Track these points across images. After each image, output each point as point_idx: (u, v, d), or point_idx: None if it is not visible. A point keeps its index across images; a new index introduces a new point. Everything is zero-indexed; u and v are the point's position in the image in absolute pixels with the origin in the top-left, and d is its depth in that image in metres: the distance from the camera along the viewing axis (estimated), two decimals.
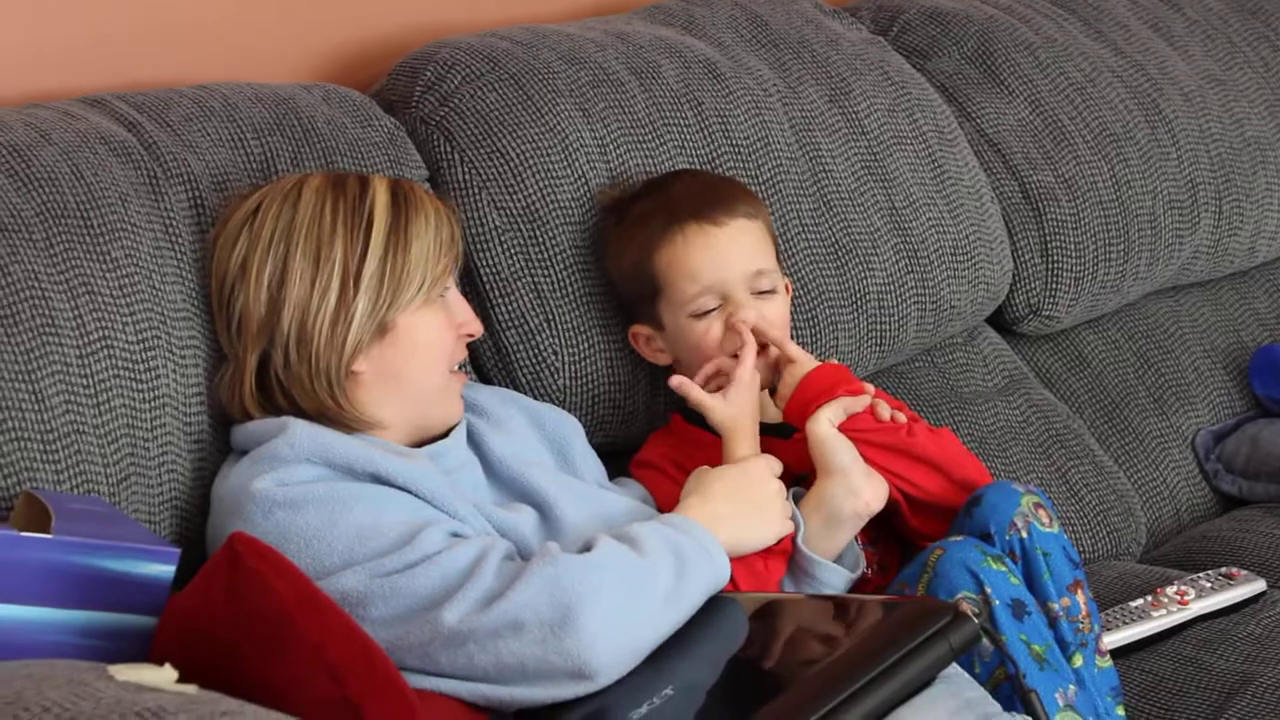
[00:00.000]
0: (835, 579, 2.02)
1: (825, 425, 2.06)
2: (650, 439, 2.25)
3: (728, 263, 2.16)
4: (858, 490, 2.03)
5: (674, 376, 2.16)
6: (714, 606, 1.86)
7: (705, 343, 2.16)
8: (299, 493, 1.83)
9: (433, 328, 1.98)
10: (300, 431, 1.88)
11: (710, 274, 2.15)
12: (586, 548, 1.83)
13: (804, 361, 2.14)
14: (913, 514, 2.13)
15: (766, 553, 1.99)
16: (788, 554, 2.02)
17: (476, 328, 2.05)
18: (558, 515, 1.97)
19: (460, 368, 2.07)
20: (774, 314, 2.18)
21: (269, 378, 1.95)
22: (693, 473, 2.04)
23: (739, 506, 1.97)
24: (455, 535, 1.85)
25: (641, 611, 1.78)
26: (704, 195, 2.21)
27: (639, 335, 2.24)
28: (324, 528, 1.80)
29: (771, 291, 2.18)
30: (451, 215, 2.03)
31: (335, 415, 1.94)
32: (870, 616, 1.80)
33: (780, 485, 2.01)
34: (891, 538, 2.16)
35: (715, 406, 2.11)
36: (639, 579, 1.79)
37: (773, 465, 2.03)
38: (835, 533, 2.04)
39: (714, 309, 2.16)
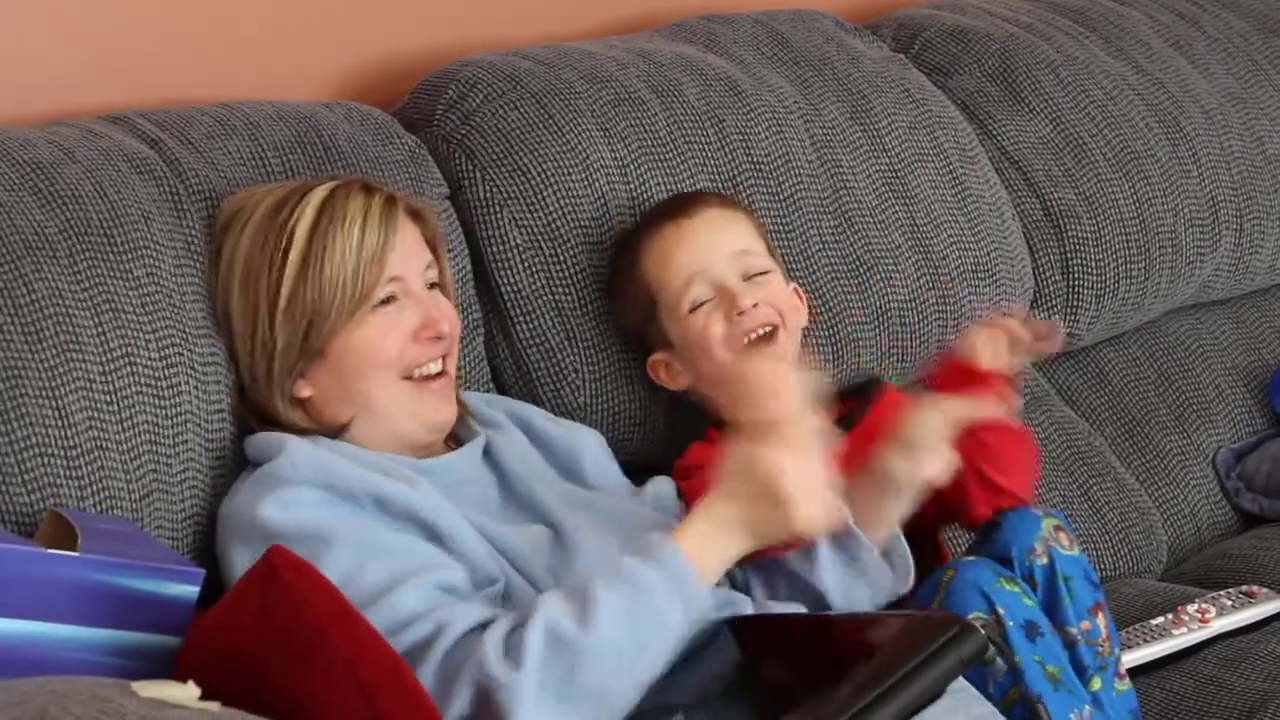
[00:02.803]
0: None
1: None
2: (692, 447, 2.18)
3: (706, 247, 2.15)
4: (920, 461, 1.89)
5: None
6: (721, 626, 1.84)
7: (707, 340, 2.13)
8: (295, 527, 1.80)
9: (367, 342, 1.92)
10: (299, 453, 1.86)
11: (692, 262, 2.14)
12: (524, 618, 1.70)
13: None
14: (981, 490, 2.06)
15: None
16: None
17: (442, 328, 1.94)
18: (568, 533, 1.94)
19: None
20: (774, 295, 2.15)
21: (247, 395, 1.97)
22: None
23: (751, 513, 1.77)
24: (440, 587, 1.77)
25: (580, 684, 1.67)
26: (675, 200, 2.24)
27: (657, 364, 2.22)
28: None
29: (766, 273, 2.16)
30: (388, 212, 1.93)
31: (311, 433, 1.93)
32: (879, 630, 1.79)
33: (813, 466, 1.76)
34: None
35: None
36: (570, 662, 1.67)
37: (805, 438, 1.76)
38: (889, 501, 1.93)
39: (709, 300, 2.14)
